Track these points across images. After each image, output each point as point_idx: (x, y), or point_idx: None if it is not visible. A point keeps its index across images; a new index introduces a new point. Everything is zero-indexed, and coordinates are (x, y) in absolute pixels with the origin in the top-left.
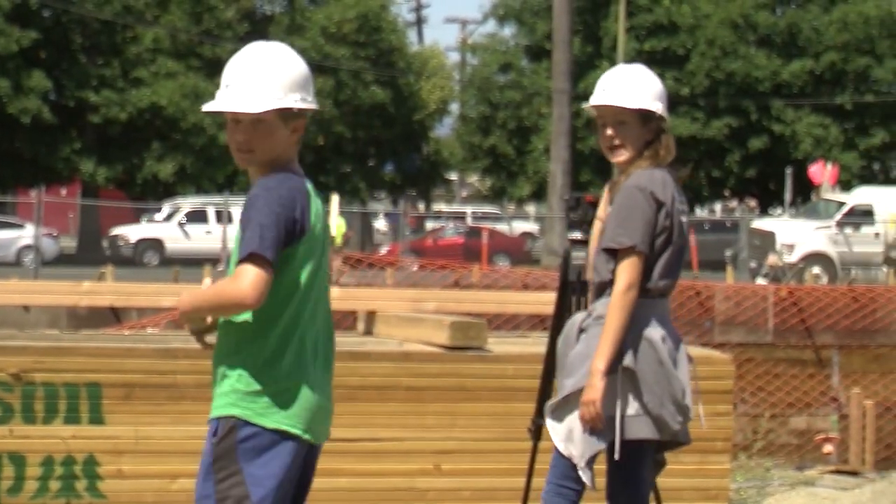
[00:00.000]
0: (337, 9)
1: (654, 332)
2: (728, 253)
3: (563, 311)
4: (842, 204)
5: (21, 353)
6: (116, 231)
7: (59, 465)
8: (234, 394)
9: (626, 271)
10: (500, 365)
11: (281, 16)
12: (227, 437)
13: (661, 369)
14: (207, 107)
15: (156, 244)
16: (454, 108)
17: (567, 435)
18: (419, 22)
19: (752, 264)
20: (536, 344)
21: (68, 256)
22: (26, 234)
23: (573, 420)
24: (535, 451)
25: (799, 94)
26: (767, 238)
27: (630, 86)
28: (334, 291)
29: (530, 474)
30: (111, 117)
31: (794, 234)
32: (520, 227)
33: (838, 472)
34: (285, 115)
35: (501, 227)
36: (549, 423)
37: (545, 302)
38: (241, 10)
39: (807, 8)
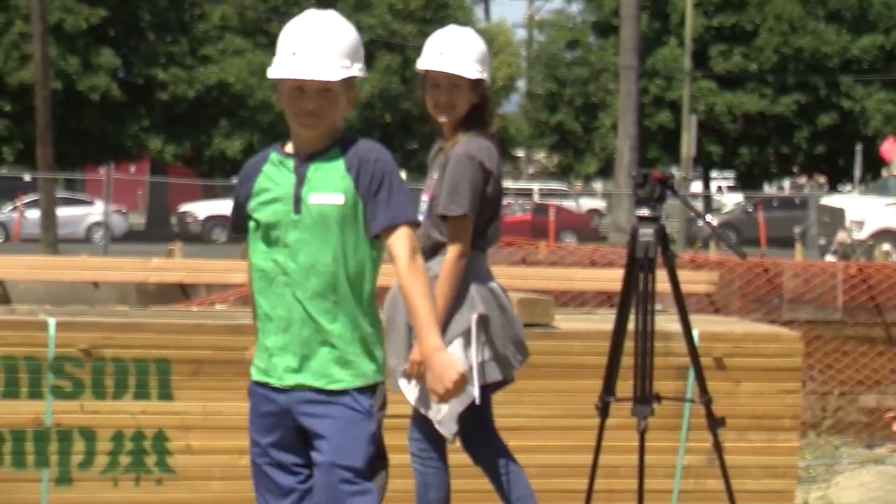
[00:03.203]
0: None
1: (492, 281)
2: (797, 230)
3: (630, 288)
4: None
5: (91, 328)
6: (185, 208)
7: (129, 441)
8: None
9: (459, 239)
10: (566, 342)
11: None
12: None
13: (504, 314)
14: (277, 73)
15: (224, 220)
16: (521, 84)
17: (425, 397)
18: None
19: (822, 241)
20: (603, 321)
21: (137, 233)
22: (96, 211)
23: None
24: (602, 427)
25: (869, 69)
26: (837, 215)
27: (466, 52)
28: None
29: (597, 451)
30: (179, 94)
31: (864, 211)
32: (587, 203)
33: None
34: (348, 83)
35: (568, 203)
36: (404, 385)
37: (612, 279)
38: None
39: None
